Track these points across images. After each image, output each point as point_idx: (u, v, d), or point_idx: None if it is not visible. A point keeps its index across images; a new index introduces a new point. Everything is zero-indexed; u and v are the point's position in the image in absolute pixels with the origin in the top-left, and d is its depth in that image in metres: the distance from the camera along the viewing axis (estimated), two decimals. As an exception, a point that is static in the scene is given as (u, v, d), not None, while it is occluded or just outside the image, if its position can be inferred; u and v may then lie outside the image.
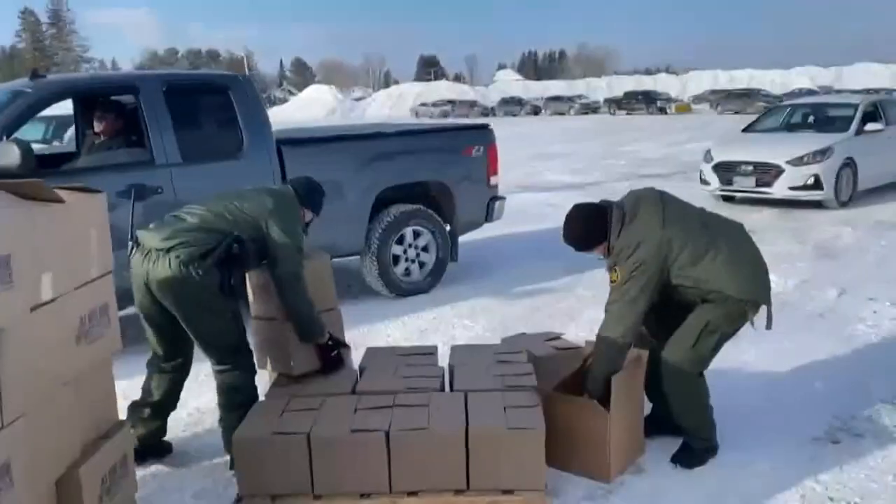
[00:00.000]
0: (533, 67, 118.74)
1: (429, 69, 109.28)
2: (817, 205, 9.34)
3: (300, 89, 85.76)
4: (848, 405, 3.66)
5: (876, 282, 5.89)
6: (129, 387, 4.05)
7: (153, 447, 3.25)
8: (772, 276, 5.67)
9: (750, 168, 9.42)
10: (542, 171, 15.24)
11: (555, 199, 10.64)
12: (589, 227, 3.09)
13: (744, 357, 4.35)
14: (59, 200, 1.94)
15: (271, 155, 4.93)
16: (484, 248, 7.40)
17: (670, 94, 51.66)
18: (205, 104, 4.85)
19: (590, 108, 50.52)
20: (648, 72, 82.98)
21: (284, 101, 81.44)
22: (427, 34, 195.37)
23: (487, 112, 53.60)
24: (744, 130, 11.12)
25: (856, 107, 10.14)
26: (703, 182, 9.88)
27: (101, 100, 4.79)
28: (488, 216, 6.25)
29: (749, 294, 3.08)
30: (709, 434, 3.19)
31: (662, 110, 44.90)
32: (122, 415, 3.66)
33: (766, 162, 9.34)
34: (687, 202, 3.20)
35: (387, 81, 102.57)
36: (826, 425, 3.47)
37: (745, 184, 9.45)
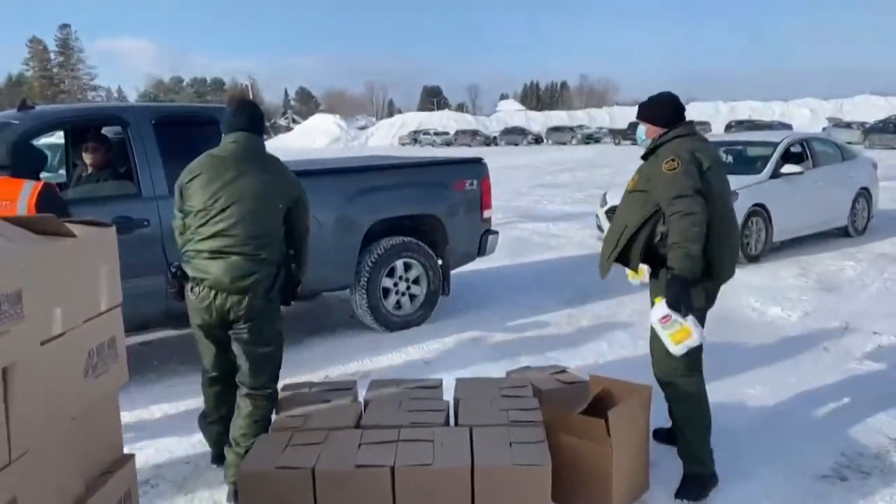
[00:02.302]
0: (535, 98, 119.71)
1: (432, 99, 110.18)
2: (816, 238, 9.11)
3: (304, 118, 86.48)
4: (854, 442, 3.64)
5: (880, 316, 5.88)
6: (130, 418, 4.07)
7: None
8: (775, 309, 5.70)
9: None
10: (543, 200, 15.29)
11: (555, 230, 10.68)
12: (669, 114, 3.30)
13: (747, 391, 4.35)
14: (71, 235, 1.95)
15: None
16: (485, 279, 7.41)
17: (701, 125, 51.84)
18: (194, 136, 4.85)
19: (592, 138, 50.84)
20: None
21: (289, 129, 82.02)
22: (430, 64, 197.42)
23: (489, 141, 53.99)
24: None
25: (775, 146, 8.87)
26: (599, 228, 8.81)
27: (88, 132, 4.83)
28: (481, 250, 6.27)
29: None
30: (707, 457, 3.20)
31: None
32: (127, 449, 3.68)
33: None
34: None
35: (390, 111, 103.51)
36: (833, 462, 3.44)
37: None
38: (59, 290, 1.86)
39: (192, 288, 3.15)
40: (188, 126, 4.99)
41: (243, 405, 3.21)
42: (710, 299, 3.28)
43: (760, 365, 4.80)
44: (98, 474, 2.12)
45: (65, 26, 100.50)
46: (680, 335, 3.06)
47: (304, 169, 5.75)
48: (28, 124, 4.33)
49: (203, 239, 3.11)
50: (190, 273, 3.14)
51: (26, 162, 3.63)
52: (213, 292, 3.09)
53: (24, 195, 3.43)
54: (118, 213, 4.37)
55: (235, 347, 3.22)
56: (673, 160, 3.10)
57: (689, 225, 2.97)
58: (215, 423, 3.45)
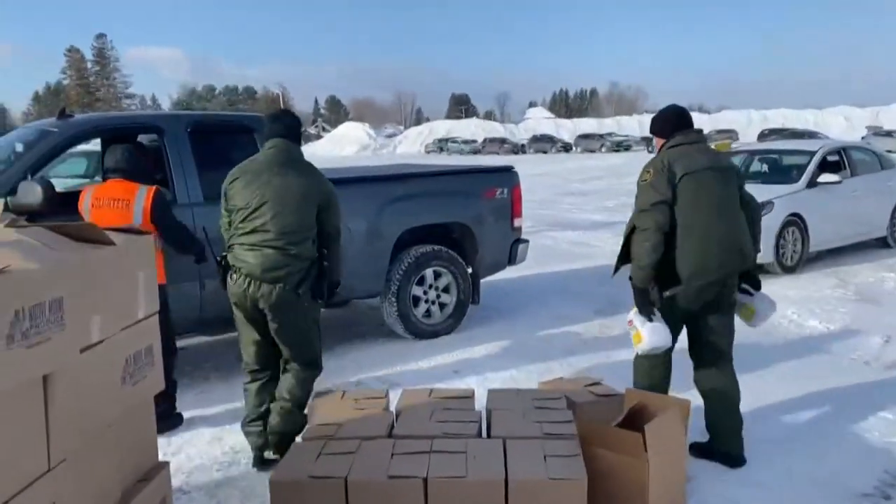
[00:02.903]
0: (564, 105, 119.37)
1: (460, 107, 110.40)
2: (854, 248, 8.96)
3: (334, 126, 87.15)
4: (898, 459, 3.54)
5: (922, 329, 5.72)
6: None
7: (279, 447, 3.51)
8: (813, 322, 5.60)
9: None
10: (573, 209, 15.20)
11: (584, 238, 10.59)
12: (667, 123, 3.60)
13: (785, 406, 4.25)
14: (110, 243, 1.96)
15: None
16: (515, 288, 7.37)
17: (712, 133, 51.14)
18: (229, 144, 4.89)
19: (621, 146, 50.48)
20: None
21: (319, 137, 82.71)
22: (459, 73, 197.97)
23: (518, 149, 53.88)
24: None
25: (812, 154, 8.68)
26: None
27: (122, 141, 4.88)
28: (511, 259, 6.23)
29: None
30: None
31: None
32: (160, 455, 3.70)
33: None
34: (728, 199, 3.46)
35: (418, 119, 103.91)
36: (876, 480, 3.34)
37: None
38: (98, 299, 1.87)
39: (231, 275, 3.48)
40: (222, 134, 5.03)
41: (290, 370, 3.56)
42: (692, 301, 3.43)
43: (798, 378, 4.69)
44: (135, 481, 2.13)
45: (101, 36, 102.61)
46: (635, 339, 3.45)
47: (333, 177, 5.78)
48: (67, 132, 4.40)
49: (243, 234, 3.44)
50: (231, 262, 3.48)
51: (139, 167, 3.92)
52: (247, 280, 3.40)
53: (139, 197, 3.80)
54: None
55: (275, 337, 3.52)
56: (648, 171, 3.43)
57: (642, 241, 3.35)
58: (256, 422, 3.58)
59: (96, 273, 1.88)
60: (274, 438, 3.48)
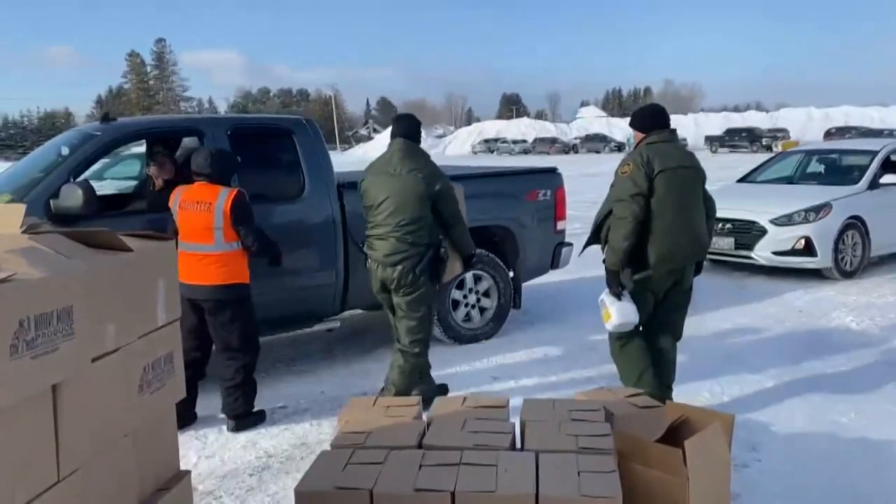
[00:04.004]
0: (617, 104, 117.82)
1: (510, 106, 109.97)
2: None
3: (384, 127, 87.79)
4: (965, 482, 3.30)
5: None
6: (200, 425, 4.11)
7: None
8: (874, 330, 5.44)
9: (728, 227, 7.68)
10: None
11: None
12: (647, 120, 3.95)
13: (840, 419, 4.04)
14: (127, 249, 1.93)
15: (332, 198, 4.95)
16: (558, 293, 7.22)
17: (776, 132, 49.70)
18: (268, 147, 4.90)
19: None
20: (737, 109, 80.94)
21: (369, 138, 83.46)
22: (510, 73, 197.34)
23: (569, 149, 53.35)
24: (739, 181, 9.35)
25: (874, 154, 8.29)
26: None
27: (158, 147, 4.93)
28: (554, 262, 6.08)
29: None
30: None
31: (768, 148, 42.76)
32: (195, 458, 3.71)
33: (745, 220, 7.63)
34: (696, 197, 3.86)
35: (468, 119, 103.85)
36: (939, 504, 3.12)
37: (721, 245, 7.68)
38: (112, 306, 1.84)
39: (367, 261, 4.15)
40: (262, 137, 5.04)
41: (395, 358, 4.16)
42: (659, 285, 3.86)
43: (855, 391, 4.46)
44: (153, 491, 2.10)
45: (160, 40, 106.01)
46: (605, 317, 3.88)
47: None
48: (109, 135, 4.46)
49: (372, 226, 4.09)
50: (365, 250, 4.18)
51: (222, 170, 4.08)
52: (376, 265, 4.06)
53: (221, 199, 3.96)
54: None
55: (398, 312, 4.13)
56: (627, 165, 3.80)
57: (618, 228, 3.74)
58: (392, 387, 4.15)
59: (111, 280, 1.84)
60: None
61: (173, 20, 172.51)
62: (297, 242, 4.80)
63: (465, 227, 4.25)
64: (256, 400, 4.33)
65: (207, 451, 3.83)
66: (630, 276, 3.83)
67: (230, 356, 4.09)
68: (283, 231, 4.77)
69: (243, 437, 4.01)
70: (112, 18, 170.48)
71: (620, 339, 3.98)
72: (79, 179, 4.14)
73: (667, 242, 3.76)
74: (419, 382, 4.21)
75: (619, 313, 3.82)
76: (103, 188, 8.01)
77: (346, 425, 3.22)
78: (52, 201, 4.04)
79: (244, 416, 4.14)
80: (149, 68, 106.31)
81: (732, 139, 46.13)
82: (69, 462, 1.70)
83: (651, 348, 4.00)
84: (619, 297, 3.82)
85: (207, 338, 4.14)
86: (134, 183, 7.42)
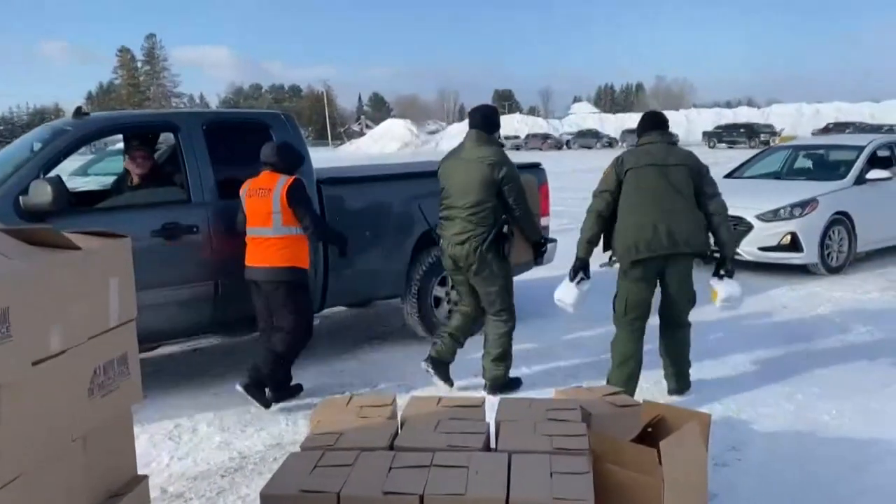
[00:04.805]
0: (609, 100, 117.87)
1: (503, 102, 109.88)
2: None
3: (377, 123, 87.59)
4: (945, 480, 3.26)
5: (978, 336, 5.36)
6: (172, 426, 4.04)
7: (442, 363, 4.63)
8: (858, 327, 5.43)
9: None
10: (614, 206, 14.84)
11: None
12: (641, 127, 4.39)
13: (822, 417, 4.00)
14: (75, 247, 1.86)
15: (311, 194, 4.86)
16: (543, 289, 7.11)
17: (774, 127, 49.60)
18: (245, 142, 4.82)
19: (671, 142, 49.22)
20: (728, 105, 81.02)
21: (361, 134, 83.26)
22: (502, 69, 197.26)
23: (561, 145, 53.30)
24: (726, 176, 9.04)
25: (860, 150, 8.27)
26: None
27: (135, 142, 4.84)
28: (538, 258, 6.02)
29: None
30: None
31: (766, 143, 42.62)
32: (166, 459, 3.65)
33: (732, 216, 7.41)
34: (665, 188, 4.07)
35: (461, 115, 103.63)
36: (918, 505, 3.08)
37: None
38: (56, 307, 1.77)
39: (439, 241, 4.51)
40: (239, 132, 4.95)
41: (489, 324, 4.56)
42: (635, 272, 4.14)
43: (840, 388, 4.42)
44: (105, 497, 2.03)
45: (151, 36, 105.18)
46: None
47: (353, 176, 5.66)
48: (81, 130, 4.37)
49: (444, 208, 4.47)
50: (438, 231, 4.54)
51: (286, 161, 4.37)
52: (447, 244, 4.42)
53: (279, 185, 4.24)
54: (167, 220, 4.36)
55: (475, 287, 4.49)
56: (610, 164, 4.27)
57: (585, 219, 4.31)
58: (444, 335, 4.65)
59: (53, 280, 1.77)
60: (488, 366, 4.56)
61: (164, 15, 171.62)
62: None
63: (530, 214, 4.51)
64: (233, 400, 4.27)
65: (180, 453, 3.76)
66: (609, 261, 4.44)
67: (282, 331, 4.33)
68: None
69: (218, 438, 3.94)
70: (103, 13, 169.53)
71: (617, 324, 4.31)
72: (49, 175, 4.05)
73: (629, 235, 4.08)
74: (510, 352, 4.58)
75: (559, 291, 4.46)
76: (87, 184, 7.92)
77: (317, 426, 3.16)
78: (21, 198, 3.95)
79: (281, 387, 4.41)
80: (139, 64, 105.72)
81: (730, 134, 46.07)
82: (9, 469, 1.64)
83: (661, 338, 4.37)
84: (570, 278, 4.39)
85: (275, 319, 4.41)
86: (114, 178, 7.34)
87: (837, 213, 7.57)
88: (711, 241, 4.27)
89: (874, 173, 7.94)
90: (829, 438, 3.73)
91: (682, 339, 4.32)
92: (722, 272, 4.28)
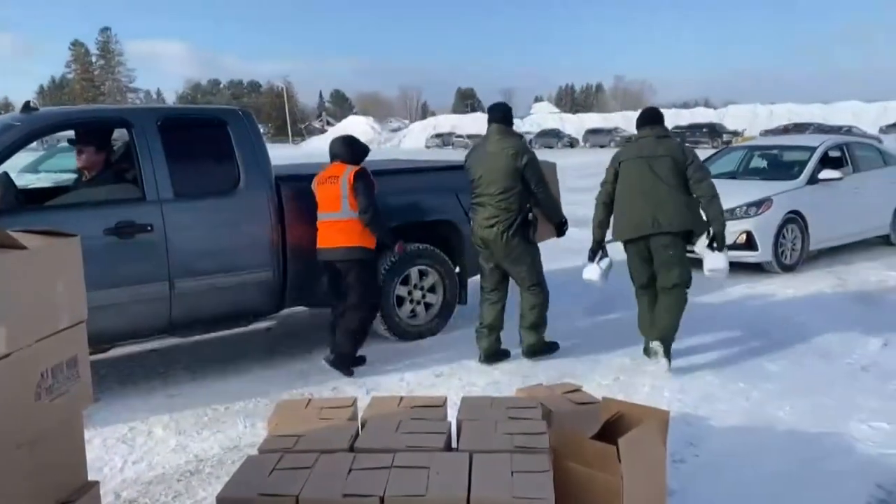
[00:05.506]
0: (570, 100, 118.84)
1: (466, 101, 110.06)
2: (855, 247, 8.76)
3: (338, 120, 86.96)
4: (893, 472, 3.36)
5: (923, 332, 5.53)
6: (126, 430, 3.95)
7: (495, 354, 5.03)
8: (811, 323, 5.57)
9: None
10: (577, 204, 14.94)
11: (581, 235, 10.35)
12: (637, 122, 5.13)
13: (776, 413, 4.08)
14: (20, 247, 1.80)
15: (269, 192, 4.81)
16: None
17: (737, 128, 50.66)
18: (201, 139, 4.74)
19: (631, 141, 49.77)
20: (686, 105, 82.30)
21: (323, 131, 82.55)
22: (465, 67, 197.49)
23: (523, 144, 53.43)
24: None
25: (812, 150, 8.47)
26: None
27: (91, 134, 4.72)
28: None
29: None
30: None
31: (728, 143, 43.27)
32: (120, 463, 3.56)
33: None
34: (652, 181, 4.70)
35: (424, 113, 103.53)
36: (867, 496, 3.16)
37: None
38: (1, 308, 1.70)
39: (472, 225, 5.00)
40: (195, 128, 4.85)
41: (523, 297, 5.01)
42: (631, 251, 4.89)
43: (792, 384, 4.52)
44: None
45: (105, 29, 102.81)
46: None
47: (305, 173, 5.57)
48: (29, 125, 4.23)
49: (474, 196, 4.93)
50: (470, 216, 5.04)
51: (353, 153, 4.91)
52: (477, 227, 4.89)
53: (345, 175, 4.71)
54: (120, 218, 4.25)
55: (505, 268, 4.96)
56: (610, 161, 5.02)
57: (594, 209, 5.07)
58: (483, 328, 5.03)
59: (-1, 281, 1.71)
60: (525, 334, 5.04)
61: (119, 8, 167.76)
62: (231, 238, 4.65)
63: (551, 197, 5.01)
64: (189, 401, 4.19)
65: (135, 456, 3.67)
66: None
67: (351, 307, 4.81)
68: (216, 226, 4.62)
69: (174, 441, 3.86)
70: (55, 5, 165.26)
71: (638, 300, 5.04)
72: None
73: (621, 218, 4.85)
74: (544, 320, 5.04)
75: (585, 270, 5.10)
76: (38, 181, 7.68)
77: (275, 428, 3.12)
78: (-33, 196, 3.82)
79: (346, 356, 4.83)
80: (94, 58, 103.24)
81: (694, 134, 46.69)
82: (-50, 478, 1.57)
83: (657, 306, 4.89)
84: (590, 259, 5.08)
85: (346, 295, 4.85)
86: (68, 176, 7.13)
87: (791, 212, 7.73)
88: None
89: (826, 173, 8.12)
90: (782, 434, 3.81)
91: (669, 307, 4.83)
92: (715, 245, 4.78)
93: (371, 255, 4.85)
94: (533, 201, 4.87)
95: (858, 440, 3.70)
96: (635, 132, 5.14)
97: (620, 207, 4.85)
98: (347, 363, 4.83)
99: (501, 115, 4.95)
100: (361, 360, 4.97)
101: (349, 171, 4.71)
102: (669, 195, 4.64)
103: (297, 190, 4.98)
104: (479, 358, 5.00)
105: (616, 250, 5.18)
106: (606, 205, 4.94)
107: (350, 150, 4.88)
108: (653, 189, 4.67)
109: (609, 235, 5.04)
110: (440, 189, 5.72)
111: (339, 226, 4.69)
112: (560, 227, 5.17)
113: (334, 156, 4.87)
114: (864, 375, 4.67)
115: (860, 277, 7.54)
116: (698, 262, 4.89)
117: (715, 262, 4.78)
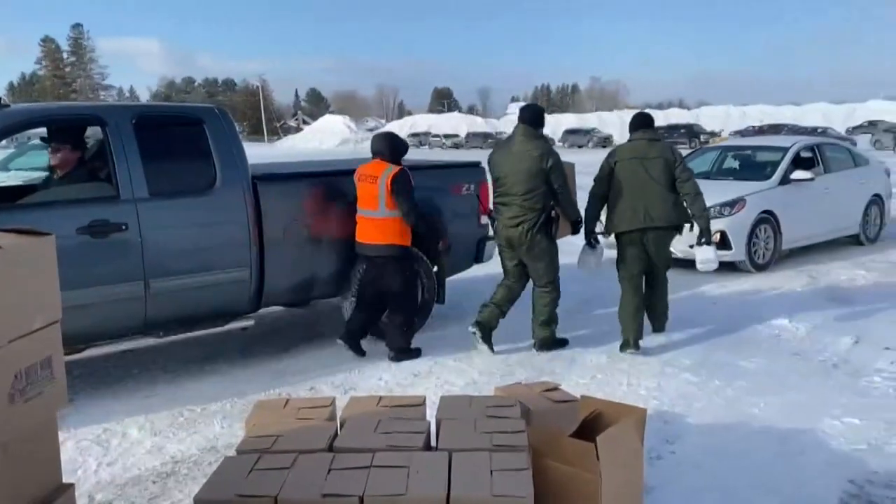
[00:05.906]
0: (546, 100, 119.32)
1: (442, 101, 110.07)
2: (826, 246, 8.95)
3: (314, 119, 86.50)
4: (864, 467, 3.42)
5: (892, 330, 5.63)
6: (101, 431, 3.89)
7: (489, 327, 5.20)
8: (782, 321, 5.64)
9: None
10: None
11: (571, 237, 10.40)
12: (630, 127, 5.45)
13: (751, 410, 4.14)
14: (-8, 246, 1.77)
15: (245, 191, 4.75)
16: (483, 287, 7.17)
17: (714, 129, 51.18)
18: (177, 138, 4.68)
19: (608, 142, 50.04)
20: (660, 106, 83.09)
21: (298, 130, 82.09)
22: (441, 67, 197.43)
23: (500, 144, 53.47)
24: None
25: (785, 151, 8.62)
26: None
27: (64, 131, 4.64)
28: (478, 257, 6.07)
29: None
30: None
31: (706, 143, 43.62)
32: (94, 465, 3.51)
33: None
34: (646, 182, 5.10)
35: (400, 112, 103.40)
36: (840, 491, 3.21)
37: None
38: (-27, 309, 1.67)
39: (496, 223, 5.17)
40: (170, 126, 4.80)
41: (536, 294, 5.24)
42: (623, 243, 5.22)
43: (766, 381, 4.58)
44: (28, 508, 1.94)
45: (77, 26, 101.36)
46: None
47: (279, 173, 5.56)
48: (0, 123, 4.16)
49: (499, 195, 5.11)
50: (494, 215, 5.18)
51: (394, 151, 5.03)
52: (502, 226, 5.07)
53: (385, 174, 4.86)
54: (94, 217, 4.19)
55: (526, 263, 5.16)
56: (605, 159, 5.34)
57: (587, 202, 5.37)
58: (489, 305, 5.23)
59: (-29, 280, 1.68)
60: (537, 329, 5.27)
61: (91, 4, 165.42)
62: (207, 237, 4.60)
63: (570, 197, 5.15)
64: (165, 402, 4.14)
65: (109, 458, 3.62)
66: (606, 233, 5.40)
67: (392, 302, 5.07)
68: (192, 225, 4.57)
69: (150, 442, 3.81)
70: (24, 1, 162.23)
71: (620, 281, 5.29)
72: None
73: (615, 214, 5.19)
74: (555, 316, 5.25)
75: (579, 255, 5.46)
76: (8, 179, 7.54)
77: (253, 429, 3.09)
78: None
79: (403, 351, 5.09)
80: (65, 55, 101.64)
81: (671, 135, 47.08)
82: (-79, 482, 1.54)
83: (646, 290, 5.32)
84: (587, 245, 5.42)
85: (383, 291, 5.08)
86: (39, 174, 7.01)
87: (764, 212, 7.81)
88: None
89: (798, 174, 8.25)
90: (757, 430, 3.86)
91: (661, 292, 5.38)
92: (703, 240, 5.23)
93: (407, 252, 5.09)
94: (554, 200, 5.05)
95: (831, 436, 3.77)
96: (611, 132, 5.33)
97: (616, 203, 5.16)
98: (406, 356, 5.08)
99: (530, 115, 5.11)
100: (417, 352, 5.14)
101: (388, 173, 4.84)
102: (660, 193, 5.06)
103: (276, 189, 4.95)
104: (471, 324, 5.20)
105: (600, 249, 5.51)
106: (599, 199, 5.31)
107: (391, 147, 5.01)
108: (646, 187, 5.06)
109: (599, 228, 5.45)
110: (419, 188, 5.69)
111: (375, 223, 4.92)
112: (576, 225, 5.33)
113: (375, 152, 5.01)
114: (836, 372, 4.76)
115: (831, 276, 7.66)
116: (690, 263, 5.03)
117: (705, 254, 5.26)
